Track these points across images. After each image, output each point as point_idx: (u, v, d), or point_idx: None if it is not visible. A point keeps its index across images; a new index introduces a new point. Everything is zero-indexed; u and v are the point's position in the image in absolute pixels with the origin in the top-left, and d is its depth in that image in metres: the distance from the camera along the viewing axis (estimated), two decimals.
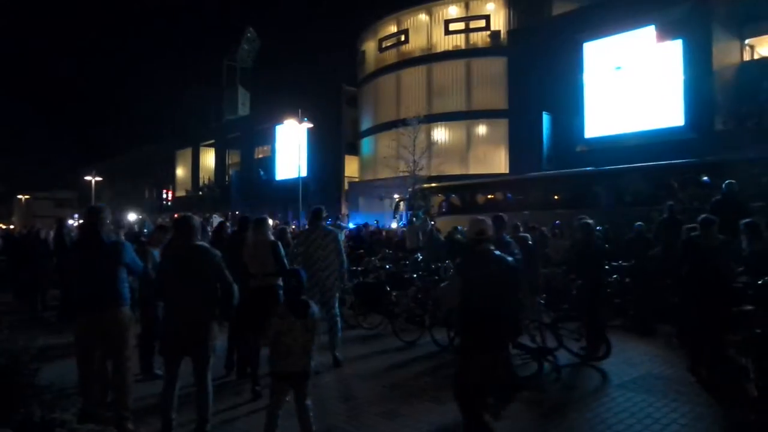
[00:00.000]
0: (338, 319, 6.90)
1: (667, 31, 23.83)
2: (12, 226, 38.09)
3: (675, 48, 23.73)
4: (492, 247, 4.06)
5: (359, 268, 9.68)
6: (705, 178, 14.45)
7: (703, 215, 6.35)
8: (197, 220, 4.86)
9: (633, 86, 25.02)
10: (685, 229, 7.03)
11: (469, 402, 3.82)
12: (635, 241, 9.22)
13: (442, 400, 5.17)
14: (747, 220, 6.73)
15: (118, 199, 50.65)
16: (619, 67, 25.48)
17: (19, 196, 70.86)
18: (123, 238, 6.07)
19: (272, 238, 6.18)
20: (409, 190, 22.38)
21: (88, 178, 47.61)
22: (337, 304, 6.93)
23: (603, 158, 24.14)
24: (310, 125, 27.41)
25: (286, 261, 6.06)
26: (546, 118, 27.92)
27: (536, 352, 6.35)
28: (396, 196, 23.89)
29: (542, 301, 7.30)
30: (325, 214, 7.27)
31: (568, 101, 27.03)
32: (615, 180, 16.70)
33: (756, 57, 24.03)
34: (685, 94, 23.47)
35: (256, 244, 5.94)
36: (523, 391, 5.46)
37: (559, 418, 5.00)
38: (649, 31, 24.45)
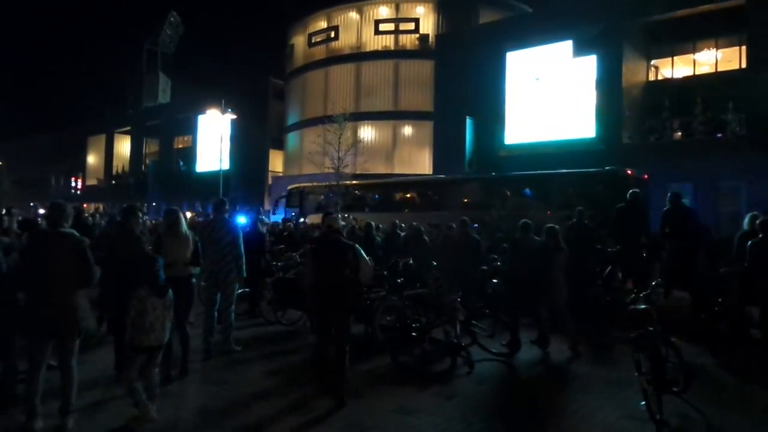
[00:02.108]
0: (232, 313, 7.05)
1: (582, 47, 25.23)
2: None
3: (589, 63, 25.14)
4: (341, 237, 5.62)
5: (279, 264, 9.52)
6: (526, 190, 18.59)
7: (523, 220, 7.54)
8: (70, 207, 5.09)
9: (550, 96, 26.25)
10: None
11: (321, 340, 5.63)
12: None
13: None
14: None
15: (21, 186, 47.07)
16: (538, 78, 26.69)
17: None
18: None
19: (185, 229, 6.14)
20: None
21: None
22: (234, 298, 7.07)
23: (522, 164, 25.26)
24: (234, 116, 26.69)
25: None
26: (469, 122, 28.73)
27: (449, 347, 6.55)
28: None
29: (458, 299, 7.49)
30: (227, 207, 7.43)
31: (490, 107, 27.92)
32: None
33: (660, 77, 26.00)
34: (597, 108, 24.95)
35: (173, 235, 5.96)
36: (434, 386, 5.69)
37: (471, 411, 5.17)
38: (567, 46, 25.78)
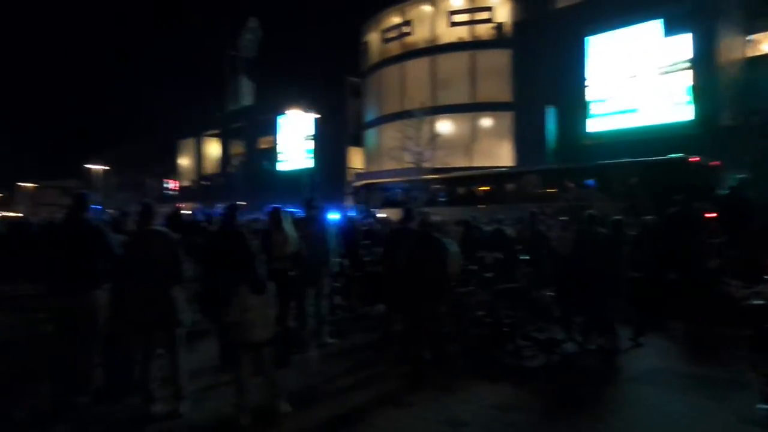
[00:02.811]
0: (326, 306, 7.20)
1: (674, 25, 23.66)
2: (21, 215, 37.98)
3: (683, 42, 23.57)
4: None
5: (366, 258, 9.67)
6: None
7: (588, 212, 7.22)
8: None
9: (638, 80, 24.90)
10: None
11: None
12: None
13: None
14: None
15: (123, 189, 50.76)
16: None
17: (21, 184, 70.95)
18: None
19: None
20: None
21: (92, 166, 47.64)
22: (326, 291, 7.21)
23: (608, 152, 24.18)
24: (317, 115, 27.38)
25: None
26: (551, 111, 27.85)
27: (544, 343, 6.40)
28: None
29: (551, 294, 7.32)
30: (318, 203, 7.55)
31: (572, 95, 26.93)
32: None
33: (759, 53, 23.89)
34: (692, 89, 23.37)
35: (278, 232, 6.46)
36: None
37: (567, 411, 5.03)
38: (655, 25, 24.30)
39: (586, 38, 26.54)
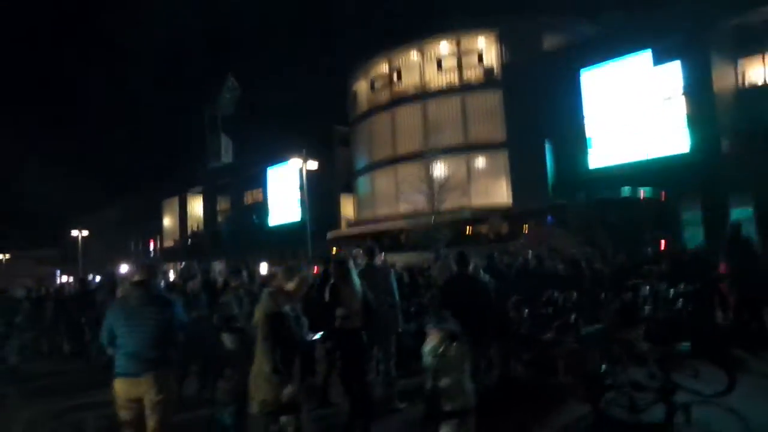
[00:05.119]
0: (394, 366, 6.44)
1: (662, 55, 24.04)
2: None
3: (673, 70, 23.90)
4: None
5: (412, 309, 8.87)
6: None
7: None
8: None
9: (633, 112, 25.08)
10: None
11: None
12: None
13: None
14: None
15: (107, 252, 49.21)
16: None
17: None
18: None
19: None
20: None
21: (74, 233, 46.10)
22: (393, 350, 6.46)
23: (609, 186, 24.09)
24: (316, 162, 26.97)
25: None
26: (548, 146, 27.85)
27: (660, 391, 5.61)
28: None
29: (642, 332, 6.57)
30: (377, 253, 6.97)
31: (570, 129, 26.99)
32: None
33: (750, 81, 24.25)
34: (688, 117, 23.55)
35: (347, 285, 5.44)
36: None
37: None
38: (646, 57, 24.69)
39: (580, 71, 26.83)
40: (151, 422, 4.20)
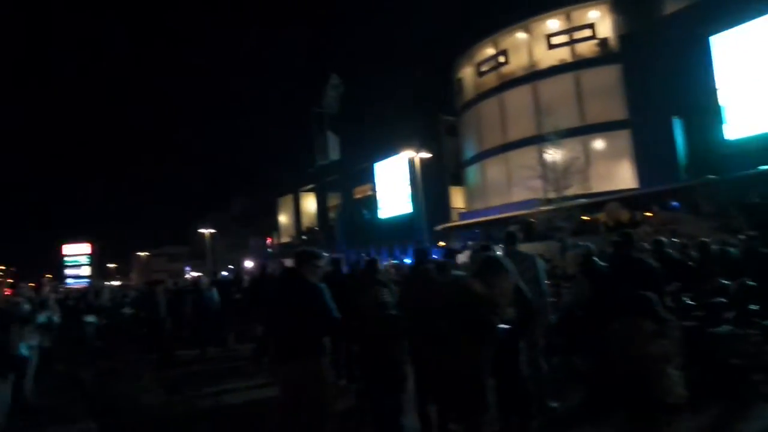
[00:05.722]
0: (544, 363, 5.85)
1: None
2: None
3: None
4: None
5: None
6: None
7: None
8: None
9: None
10: None
11: None
12: None
13: None
14: None
15: (230, 249, 52.56)
16: None
17: (139, 253, 76.30)
18: None
19: None
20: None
21: (202, 231, 49.86)
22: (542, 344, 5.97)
23: (751, 161, 21.45)
24: (428, 155, 26.75)
25: None
26: (677, 123, 25.45)
27: None
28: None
29: None
30: (517, 240, 6.34)
31: (701, 102, 24.43)
32: None
33: None
34: None
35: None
36: None
37: None
38: None
39: (709, 38, 24.20)
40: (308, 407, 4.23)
